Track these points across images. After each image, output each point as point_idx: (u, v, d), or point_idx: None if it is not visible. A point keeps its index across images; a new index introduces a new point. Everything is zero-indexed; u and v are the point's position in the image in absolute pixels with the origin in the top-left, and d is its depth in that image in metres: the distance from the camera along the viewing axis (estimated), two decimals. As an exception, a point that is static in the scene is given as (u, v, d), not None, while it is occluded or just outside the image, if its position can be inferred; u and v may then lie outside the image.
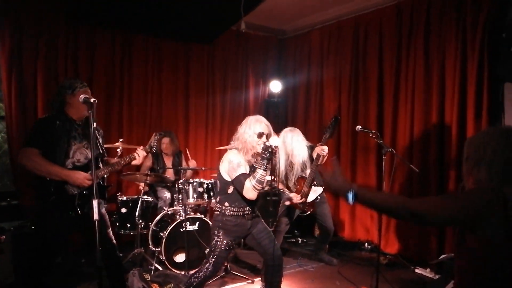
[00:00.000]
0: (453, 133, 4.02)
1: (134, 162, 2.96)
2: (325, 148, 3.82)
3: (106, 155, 3.00)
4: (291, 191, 4.04)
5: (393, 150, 3.52)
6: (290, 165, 4.05)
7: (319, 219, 4.31)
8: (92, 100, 2.21)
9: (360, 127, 3.77)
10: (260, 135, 2.72)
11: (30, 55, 4.34)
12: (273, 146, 2.61)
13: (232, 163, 2.70)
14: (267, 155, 2.59)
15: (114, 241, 2.89)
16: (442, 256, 3.78)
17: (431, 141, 4.24)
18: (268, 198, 4.67)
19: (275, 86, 6.00)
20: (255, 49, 6.13)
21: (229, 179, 2.74)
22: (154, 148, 3.16)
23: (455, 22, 4.03)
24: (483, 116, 3.79)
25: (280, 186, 4.04)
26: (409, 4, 4.50)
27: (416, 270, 4.09)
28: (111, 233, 2.88)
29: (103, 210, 2.88)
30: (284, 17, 5.77)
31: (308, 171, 3.99)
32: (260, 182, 2.61)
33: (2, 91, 4.24)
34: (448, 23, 4.11)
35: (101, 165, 2.85)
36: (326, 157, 3.90)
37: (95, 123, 2.15)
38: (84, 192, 2.67)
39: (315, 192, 4.03)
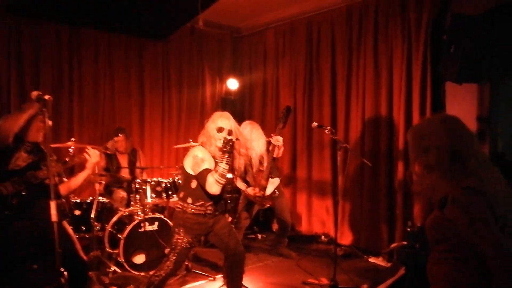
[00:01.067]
0: (401, 129, 4.28)
1: (88, 164, 2.80)
2: (280, 138, 3.92)
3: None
4: (249, 185, 4.10)
5: (347, 145, 3.69)
6: (248, 159, 4.11)
7: (278, 213, 4.40)
8: (46, 97, 2.12)
9: (316, 123, 3.90)
10: (219, 129, 2.77)
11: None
12: (233, 140, 2.66)
13: (197, 158, 2.73)
14: (228, 148, 2.64)
15: (76, 243, 2.78)
16: (392, 245, 4.03)
17: (381, 136, 4.49)
18: (228, 195, 4.74)
19: (232, 84, 6.02)
20: (210, 47, 6.11)
21: (192, 173, 2.75)
22: (108, 151, 3.06)
23: (401, 24, 4.29)
24: (427, 112, 4.08)
25: (239, 181, 4.08)
26: (358, 7, 4.72)
27: (370, 259, 4.32)
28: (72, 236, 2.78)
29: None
30: (239, 15, 5.81)
31: (265, 165, 4.07)
32: (222, 176, 2.64)
33: None
34: (394, 26, 4.36)
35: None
36: (282, 149, 4.00)
37: (50, 121, 2.04)
38: (23, 193, 2.57)
39: (273, 184, 4.11)
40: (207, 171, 2.68)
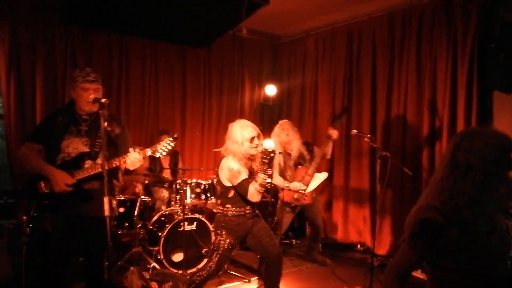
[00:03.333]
0: (444, 138, 4.16)
1: (126, 165, 2.52)
2: (335, 132, 4.03)
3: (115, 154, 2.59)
4: (288, 181, 4.14)
5: (387, 154, 3.64)
6: (287, 154, 4.18)
7: (310, 217, 4.42)
8: (103, 100, 2.24)
9: (356, 131, 3.90)
10: (251, 140, 2.80)
11: (28, 56, 4.38)
12: (276, 152, 2.70)
13: (233, 171, 2.80)
14: (268, 159, 2.66)
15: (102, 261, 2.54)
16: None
17: (423, 145, 4.38)
18: (265, 199, 4.80)
19: (270, 90, 6.10)
20: (251, 53, 6.23)
21: (230, 185, 2.85)
22: (158, 153, 2.56)
23: (446, 32, 4.19)
24: (473, 122, 3.94)
25: (277, 177, 4.12)
26: (401, 14, 4.66)
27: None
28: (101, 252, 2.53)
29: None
30: (280, 23, 5.89)
31: (306, 160, 4.20)
32: (262, 185, 2.73)
33: (1, 91, 4.25)
34: (439, 33, 4.26)
35: (88, 163, 2.50)
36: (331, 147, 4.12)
37: (106, 123, 2.15)
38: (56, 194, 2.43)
39: (318, 179, 4.17)
40: (246, 181, 2.77)
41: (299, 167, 4.20)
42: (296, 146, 4.20)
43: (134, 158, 2.45)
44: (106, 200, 2.03)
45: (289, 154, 4.22)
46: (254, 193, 2.73)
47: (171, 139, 2.53)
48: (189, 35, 5.09)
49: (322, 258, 4.49)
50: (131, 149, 2.48)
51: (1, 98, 4.30)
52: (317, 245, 4.59)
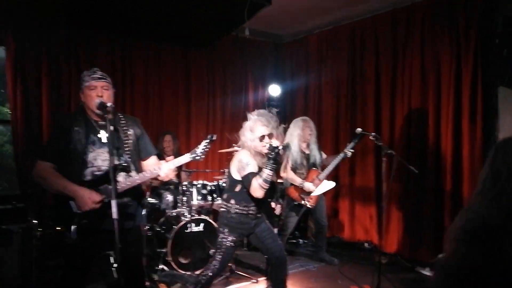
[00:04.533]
0: (449, 137, 4.15)
1: (160, 178, 2.43)
2: (351, 152, 4.12)
3: (142, 159, 2.56)
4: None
5: (393, 152, 3.63)
6: (302, 152, 4.20)
7: (317, 214, 4.43)
8: (108, 104, 2.22)
9: (360, 129, 3.90)
10: (261, 138, 2.78)
11: (33, 60, 4.40)
12: (279, 148, 2.69)
13: (242, 162, 2.80)
14: (273, 155, 2.64)
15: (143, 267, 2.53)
16: (440, 255, 3.89)
17: (428, 142, 4.37)
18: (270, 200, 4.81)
19: (274, 90, 6.10)
20: (254, 54, 6.24)
21: (238, 178, 2.83)
22: (198, 156, 2.52)
23: (449, 28, 4.18)
24: (478, 119, 3.93)
25: (291, 173, 4.16)
26: (404, 11, 4.65)
27: (415, 269, 4.20)
28: (141, 259, 2.49)
29: (140, 227, 2.46)
30: (282, 23, 5.89)
31: (318, 163, 4.30)
32: (266, 181, 2.67)
33: (7, 95, 4.29)
34: (442, 29, 4.25)
35: (121, 176, 2.36)
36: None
37: (112, 127, 2.17)
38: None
39: (325, 186, 4.24)
40: (252, 174, 2.74)
41: (312, 169, 4.26)
42: (313, 148, 4.33)
43: (168, 170, 2.40)
44: (113, 203, 2.04)
45: (304, 153, 4.27)
46: (256, 188, 2.68)
47: (208, 140, 2.49)
48: (192, 36, 5.11)
49: (330, 257, 4.50)
50: (163, 162, 2.44)
51: (8, 103, 4.34)
52: (323, 243, 4.60)
